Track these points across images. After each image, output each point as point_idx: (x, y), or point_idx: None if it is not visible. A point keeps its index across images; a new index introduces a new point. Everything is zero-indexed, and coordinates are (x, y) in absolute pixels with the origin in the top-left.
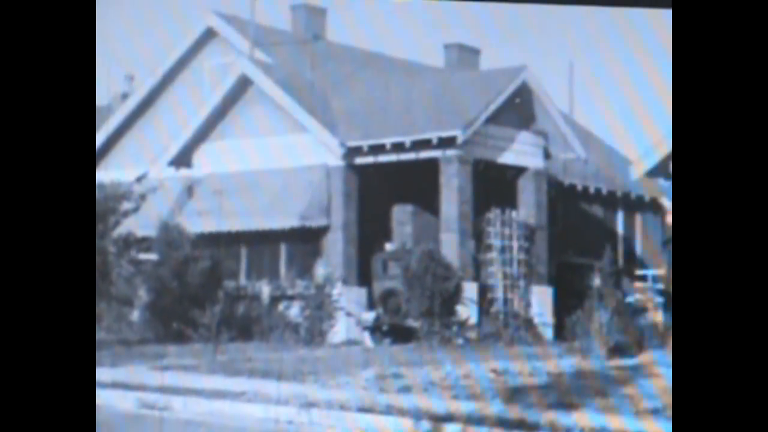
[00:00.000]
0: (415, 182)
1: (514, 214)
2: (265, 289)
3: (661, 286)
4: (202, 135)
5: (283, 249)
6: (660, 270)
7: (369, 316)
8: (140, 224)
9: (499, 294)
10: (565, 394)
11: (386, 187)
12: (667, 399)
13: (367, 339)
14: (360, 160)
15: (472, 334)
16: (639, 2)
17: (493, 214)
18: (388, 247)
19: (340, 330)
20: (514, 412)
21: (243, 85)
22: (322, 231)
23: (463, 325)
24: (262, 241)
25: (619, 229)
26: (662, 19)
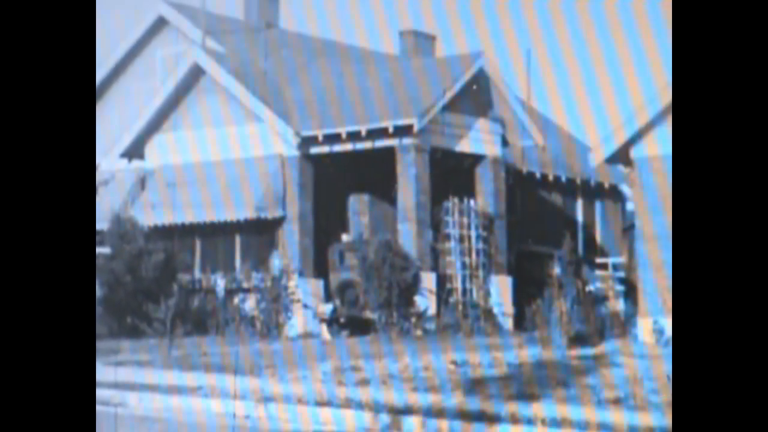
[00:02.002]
0: (371, 171)
1: (472, 202)
2: (220, 282)
3: (621, 274)
4: (154, 126)
5: (237, 241)
6: (620, 258)
7: (326, 308)
8: None
9: (457, 284)
10: (526, 384)
11: (342, 176)
12: (629, 388)
13: (324, 331)
14: (315, 150)
15: (430, 326)
16: None
17: (451, 203)
18: (345, 237)
19: (296, 323)
20: (474, 404)
21: (195, 74)
22: (278, 222)
23: (421, 316)
24: (216, 233)
25: (579, 216)
26: (622, 4)
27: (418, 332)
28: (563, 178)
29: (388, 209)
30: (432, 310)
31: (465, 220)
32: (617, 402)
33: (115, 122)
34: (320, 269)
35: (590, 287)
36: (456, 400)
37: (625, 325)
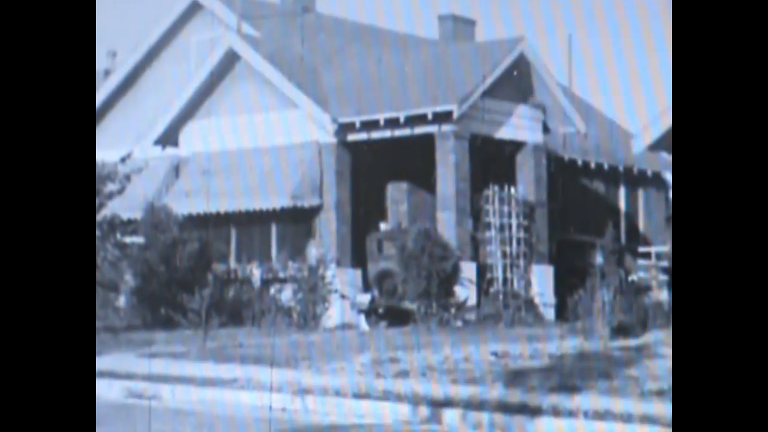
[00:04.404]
0: (409, 159)
1: (512, 190)
2: (255, 272)
3: (665, 263)
4: (188, 113)
5: (273, 230)
6: (664, 247)
7: (364, 299)
8: (125, 206)
9: (498, 274)
10: (568, 376)
11: (380, 164)
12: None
13: (362, 322)
14: (352, 137)
15: (470, 316)
16: None
17: (491, 191)
18: (383, 226)
19: (334, 313)
20: (516, 395)
21: (230, 60)
22: (315, 211)
23: (461, 306)
24: (252, 222)
25: (622, 205)
26: None
27: (458, 323)
28: (606, 166)
29: (427, 197)
30: (472, 301)
31: (505, 208)
32: (660, 393)
33: (148, 109)
34: (358, 259)
35: (633, 277)
36: (496, 392)
37: (668, 315)
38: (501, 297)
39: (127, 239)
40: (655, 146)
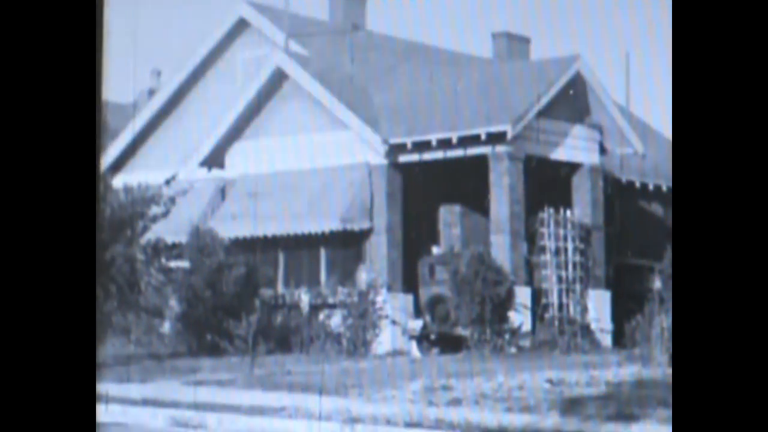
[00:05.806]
0: (462, 181)
1: (568, 213)
2: (304, 297)
3: None
4: (234, 133)
5: (323, 254)
6: None
7: (415, 325)
8: (170, 229)
9: (553, 299)
10: (625, 404)
11: (432, 186)
12: None
13: (413, 349)
14: (404, 158)
15: (525, 342)
16: None
17: (547, 213)
18: (435, 250)
19: (384, 340)
20: (572, 424)
21: (278, 79)
22: (365, 234)
23: (515, 332)
24: (300, 245)
25: None
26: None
27: (513, 349)
28: (664, 188)
29: (481, 220)
30: (527, 327)
31: (561, 231)
32: None
33: (194, 129)
34: (409, 283)
35: None
36: (552, 420)
37: None
38: (556, 323)
39: (172, 263)
40: None
